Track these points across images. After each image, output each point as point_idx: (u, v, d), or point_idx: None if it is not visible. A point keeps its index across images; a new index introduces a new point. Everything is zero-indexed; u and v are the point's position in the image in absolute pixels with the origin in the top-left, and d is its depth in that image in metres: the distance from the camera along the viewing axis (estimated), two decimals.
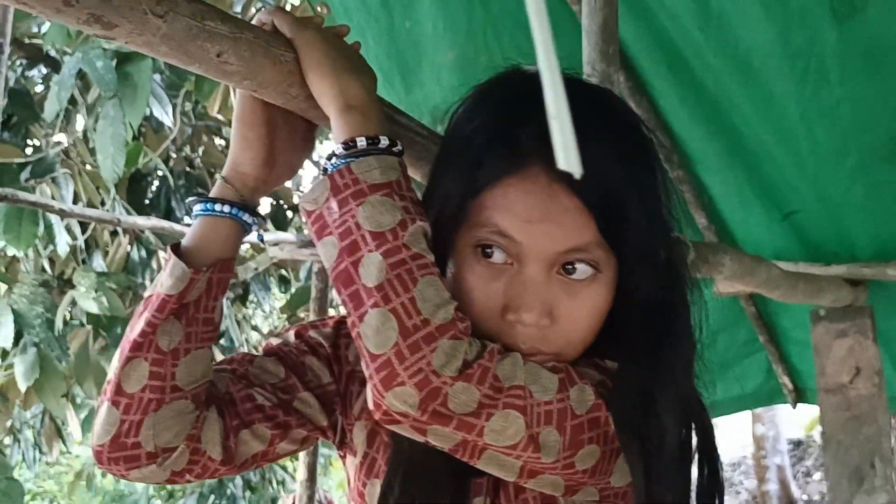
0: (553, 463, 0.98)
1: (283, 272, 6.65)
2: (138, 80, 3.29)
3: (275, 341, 1.19)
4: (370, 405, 0.95)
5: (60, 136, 5.06)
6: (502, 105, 1.08)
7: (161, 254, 4.90)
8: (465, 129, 1.08)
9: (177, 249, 1.07)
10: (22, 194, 2.66)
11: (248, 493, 6.97)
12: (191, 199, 1.11)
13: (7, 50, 2.52)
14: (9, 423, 5.15)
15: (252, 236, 1.13)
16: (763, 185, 2.67)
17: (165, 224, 2.89)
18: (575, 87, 1.13)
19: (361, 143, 0.99)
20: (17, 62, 5.00)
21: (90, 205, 4.50)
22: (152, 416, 1.03)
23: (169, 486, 8.46)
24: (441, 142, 1.15)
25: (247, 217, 1.10)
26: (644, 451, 1.02)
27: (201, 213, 1.09)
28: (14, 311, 3.72)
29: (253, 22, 1.10)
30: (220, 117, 6.18)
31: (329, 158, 1.01)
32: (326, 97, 1.04)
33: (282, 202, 6.83)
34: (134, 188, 5.52)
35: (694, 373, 1.10)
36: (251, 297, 6.30)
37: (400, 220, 0.95)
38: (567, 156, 0.37)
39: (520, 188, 1.02)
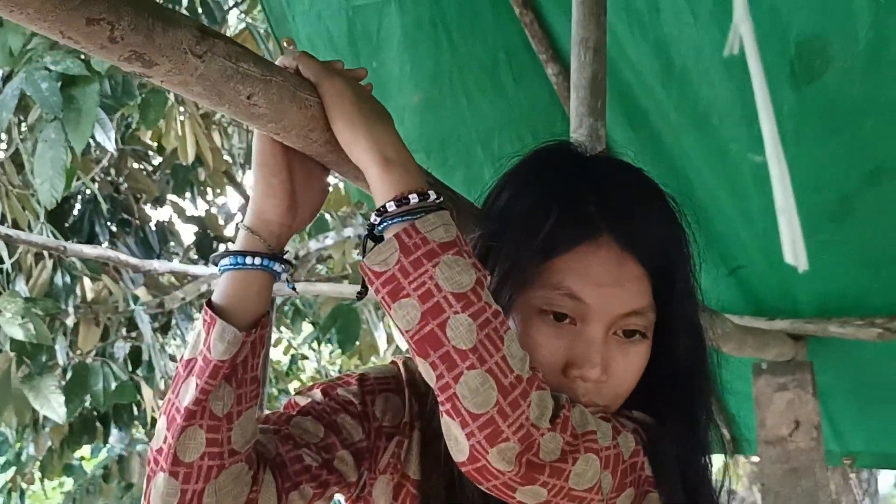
0: None
1: None
2: (83, 103, 3.21)
3: (301, 400, 1.18)
4: (461, 460, 0.96)
5: None
6: (563, 180, 1.16)
7: (87, 282, 4.77)
8: (524, 202, 1.16)
9: (211, 307, 1.04)
10: None
11: None
12: (216, 254, 1.09)
13: None
14: None
15: (282, 284, 1.11)
16: (711, 239, 2.73)
17: (111, 254, 2.81)
18: (613, 164, 1.24)
19: (414, 199, 0.99)
20: None
21: (15, 226, 4.37)
22: (213, 483, 1.02)
23: None
24: (489, 210, 1.20)
25: (277, 266, 1.08)
26: (687, 497, 1.13)
27: (231, 267, 1.06)
28: None
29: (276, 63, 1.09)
30: (149, 142, 6.10)
31: (380, 215, 1.00)
32: (359, 148, 1.03)
33: (208, 231, 6.74)
34: (56, 211, 5.38)
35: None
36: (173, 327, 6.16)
37: (476, 278, 0.97)
38: (795, 249, 0.37)
39: (593, 255, 1.11)
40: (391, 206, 0.99)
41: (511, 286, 1.11)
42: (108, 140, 3.68)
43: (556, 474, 0.97)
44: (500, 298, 1.04)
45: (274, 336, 7.73)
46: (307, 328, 8.17)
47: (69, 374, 4.58)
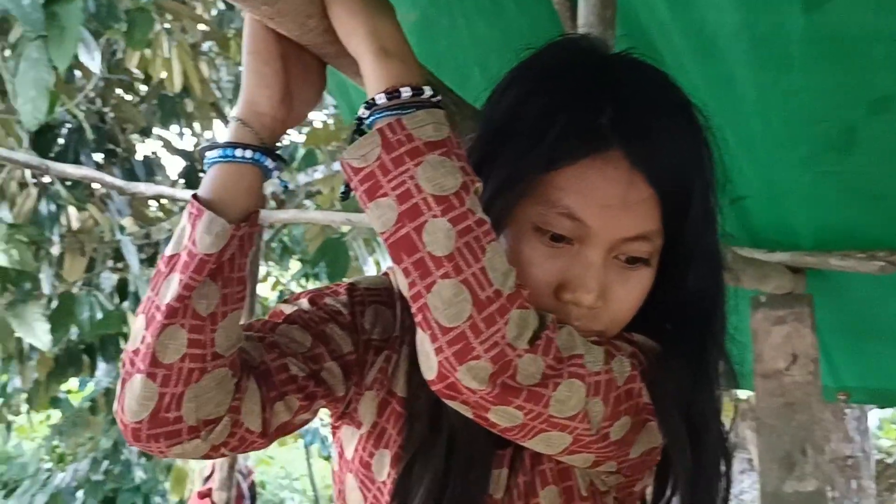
0: (595, 434, 0.97)
1: None
2: (67, 21, 3.10)
3: (287, 308, 1.12)
4: (430, 377, 0.90)
5: None
6: (577, 83, 1.05)
7: (72, 211, 4.69)
8: (532, 105, 1.05)
9: (198, 200, 0.97)
10: None
11: (143, 460, 6.78)
12: (204, 145, 1.02)
13: None
14: None
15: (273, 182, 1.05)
16: None
17: (96, 174, 2.74)
18: (636, 68, 1.11)
19: (406, 93, 0.92)
20: None
21: None
22: (194, 387, 0.95)
23: (59, 450, 8.20)
24: (492, 110, 1.10)
25: (269, 162, 1.01)
26: (691, 434, 1.04)
27: (220, 159, 0.99)
28: None
29: None
30: (136, 72, 5.98)
31: (369, 108, 0.93)
32: (358, 37, 0.96)
33: (195, 164, 6.64)
34: (41, 140, 5.28)
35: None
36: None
37: (462, 182, 0.90)
38: None
39: (599, 172, 1.01)
40: (381, 99, 0.92)
41: (506, 197, 1.01)
42: (92, 61, 3.58)
43: (533, 399, 0.90)
44: (492, 209, 0.95)
45: (262, 271, 7.69)
46: (295, 266, 8.13)
47: (54, 304, 4.53)
